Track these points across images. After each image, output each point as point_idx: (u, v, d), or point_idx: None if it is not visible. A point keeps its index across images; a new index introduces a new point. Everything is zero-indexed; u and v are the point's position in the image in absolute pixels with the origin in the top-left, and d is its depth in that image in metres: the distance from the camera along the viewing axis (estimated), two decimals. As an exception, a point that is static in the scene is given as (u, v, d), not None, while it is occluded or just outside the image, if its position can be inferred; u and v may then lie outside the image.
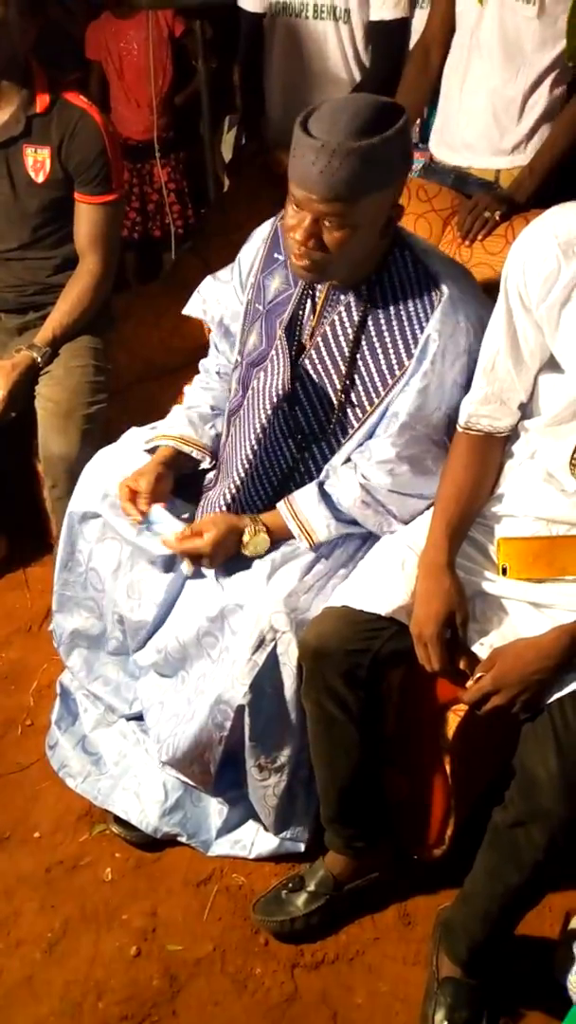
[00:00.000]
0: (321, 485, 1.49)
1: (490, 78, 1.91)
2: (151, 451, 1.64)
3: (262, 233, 1.60)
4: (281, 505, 1.50)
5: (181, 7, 2.87)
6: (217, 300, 1.69)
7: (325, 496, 1.48)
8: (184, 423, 1.66)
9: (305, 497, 1.49)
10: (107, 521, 1.60)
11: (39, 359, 1.94)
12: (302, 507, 1.48)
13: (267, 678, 1.41)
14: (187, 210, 3.30)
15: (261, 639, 1.40)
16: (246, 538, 1.49)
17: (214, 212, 2.68)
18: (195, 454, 1.63)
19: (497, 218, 1.78)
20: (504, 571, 1.32)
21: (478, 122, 1.97)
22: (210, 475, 1.67)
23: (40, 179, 1.89)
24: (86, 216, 1.94)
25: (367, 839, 1.49)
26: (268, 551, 1.49)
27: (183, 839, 1.64)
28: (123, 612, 1.61)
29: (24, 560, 2.34)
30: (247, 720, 1.44)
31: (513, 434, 1.37)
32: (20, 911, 1.57)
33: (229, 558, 1.49)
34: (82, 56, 3.15)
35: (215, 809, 1.65)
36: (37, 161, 1.88)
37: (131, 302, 2.40)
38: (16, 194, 1.92)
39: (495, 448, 1.37)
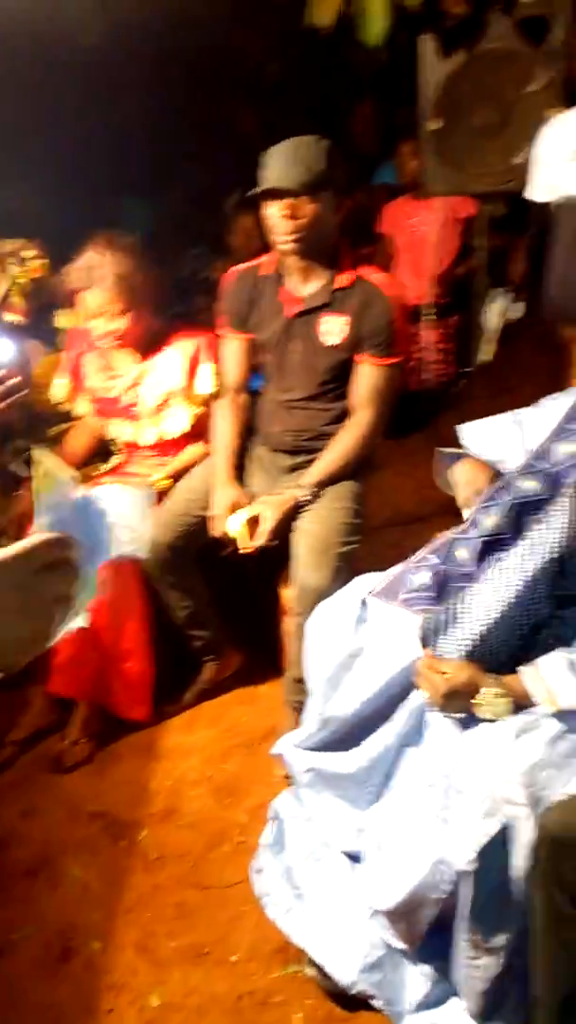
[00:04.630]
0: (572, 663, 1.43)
1: None
2: None
3: (568, 401, 1.61)
4: (525, 669, 1.45)
5: (472, 193, 3.13)
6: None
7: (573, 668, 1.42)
8: None
9: (551, 665, 1.43)
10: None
11: (306, 497, 2.11)
12: (546, 673, 1.43)
13: (495, 851, 1.35)
14: (449, 368, 3.50)
15: (494, 807, 1.36)
16: (483, 697, 1.45)
17: (480, 376, 2.81)
18: None
19: None
20: None
21: None
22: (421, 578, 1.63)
23: (333, 343, 2.11)
24: (367, 375, 2.13)
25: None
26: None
27: (377, 1003, 1.57)
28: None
29: (254, 678, 2.46)
30: (467, 890, 1.38)
31: None
32: (208, 1034, 1.58)
33: (459, 711, 1.47)
34: (373, 229, 3.53)
35: (415, 979, 1.56)
36: (333, 327, 2.10)
37: (391, 451, 2.55)
38: (310, 354, 2.15)
39: None
